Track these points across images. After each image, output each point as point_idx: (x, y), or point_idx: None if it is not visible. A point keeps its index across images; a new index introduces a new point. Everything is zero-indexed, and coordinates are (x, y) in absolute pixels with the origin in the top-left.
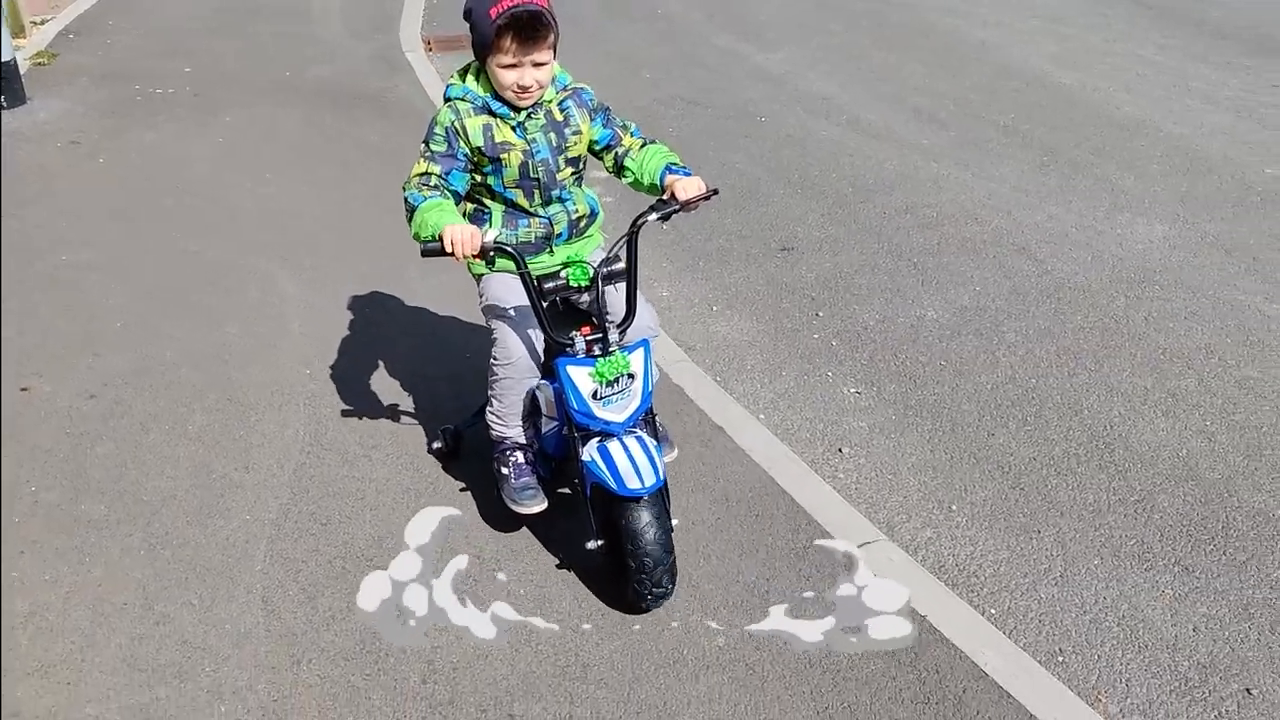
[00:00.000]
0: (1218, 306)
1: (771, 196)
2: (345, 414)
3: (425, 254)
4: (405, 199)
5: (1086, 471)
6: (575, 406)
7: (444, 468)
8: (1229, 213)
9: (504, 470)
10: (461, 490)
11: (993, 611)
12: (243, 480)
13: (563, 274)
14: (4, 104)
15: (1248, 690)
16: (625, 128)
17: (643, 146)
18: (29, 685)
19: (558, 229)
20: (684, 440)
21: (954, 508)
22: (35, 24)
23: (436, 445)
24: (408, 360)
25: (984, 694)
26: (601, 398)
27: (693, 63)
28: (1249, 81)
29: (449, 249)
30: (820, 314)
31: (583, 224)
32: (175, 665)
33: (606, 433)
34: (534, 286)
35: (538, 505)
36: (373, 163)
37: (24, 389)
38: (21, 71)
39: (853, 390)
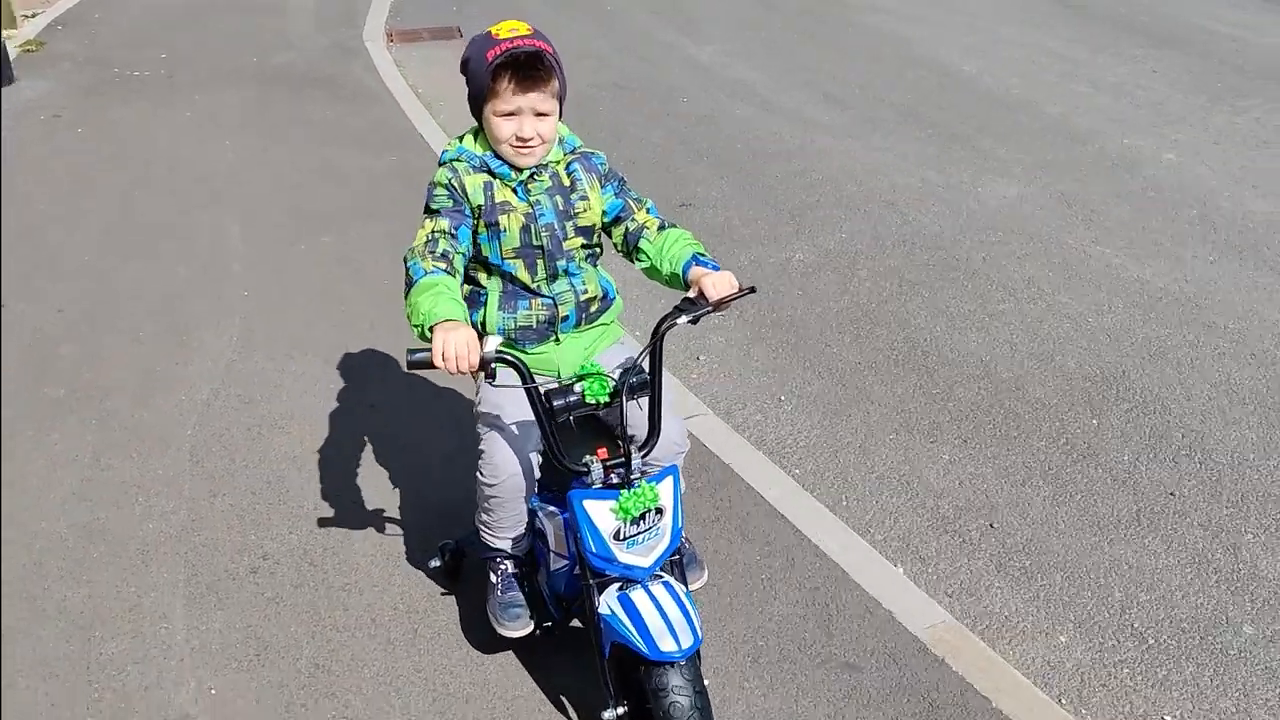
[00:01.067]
0: (1049, 249)
1: (680, 164)
2: (276, 324)
3: (411, 366)
4: (406, 270)
5: (901, 372)
6: (593, 550)
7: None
8: (1082, 175)
9: (492, 578)
10: (442, 594)
11: (796, 472)
12: (181, 373)
13: (578, 388)
14: None
15: (990, 525)
16: (640, 201)
17: (661, 229)
18: None
19: (563, 311)
20: None
21: (782, 399)
22: (26, 17)
23: (434, 564)
24: (335, 285)
25: (763, 515)
26: (625, 538)
27: (630, 54)
28: (1135, 69)
29: (439, 363)
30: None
31: (594, 309)
32: (114, 498)
33: (628, 579)
34: (542, 404)
35: (522, 629)
36: (319, 135)
37: None
38: (11, 58)
39: (717, 316)
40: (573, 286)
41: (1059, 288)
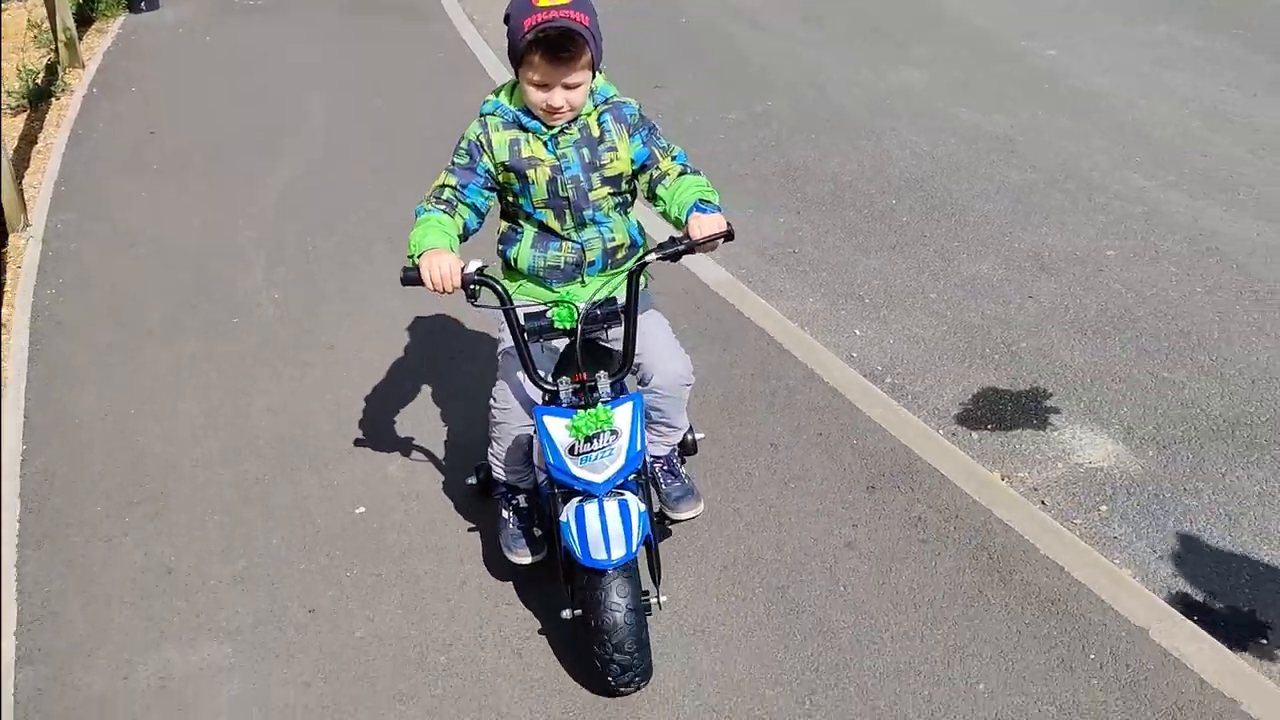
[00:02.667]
0: (922, 111)
1: (662, 61)
2: (341, 147)
3: (404, 283)
4: (415, 213)
5: (773, 179)
6: (550, 461)
7: (456, 506)
8: (977, 66)
9: (503, 514)
10: (469, 530)
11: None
12: (271, 171)
13: (549, 314)
14: (143, 7)
15: (793, 252)
16: (667, 150)
17: (681, 175)
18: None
19: (590, 256)
20: None
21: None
22: None
23: (470, 481)
24: (384, 127)
25: None
26: (579, 454)
27: None
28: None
29: (427, 283)
30: (662, 115)
31: (620, 255)
32: (225, 223)
33: (587, 493)
34: (518, 325)
35: (526, 557)
36: (388, 40)
37: (151, 132)
38: None
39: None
40: (600, 234)
41: (914, 132)
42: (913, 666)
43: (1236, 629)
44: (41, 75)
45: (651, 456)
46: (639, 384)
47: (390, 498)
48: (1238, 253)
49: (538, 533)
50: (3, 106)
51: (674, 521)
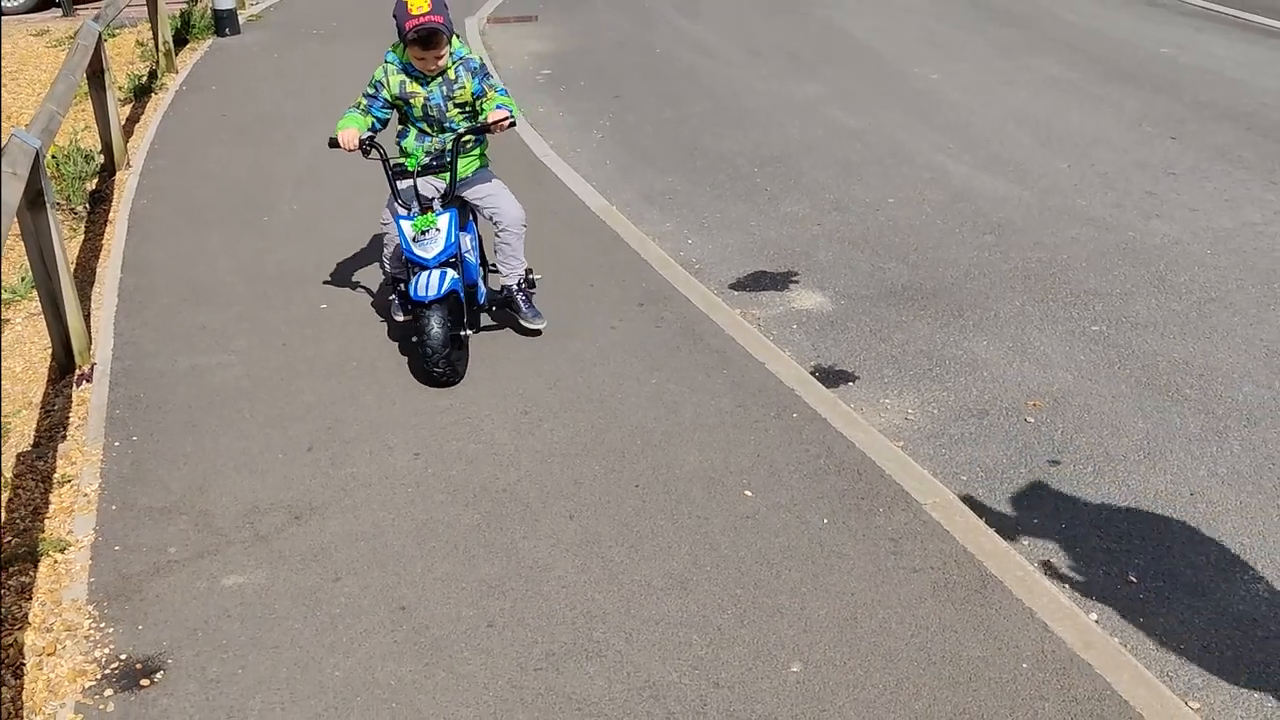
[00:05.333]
0: (810, 114)
1: (629, 78)
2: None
3: (330, 146)
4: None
5: (677, 153)
6: (404, 246)
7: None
8: (869, 85)
9: (393, 295)
10: (381, 320)
11: (587, 173)
12: (318, 120)
13: (405, 162)
14: (227, 32)
15: (670, 197)
16: (493, 85)
17: (494, 96)
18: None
19: (447, 144)
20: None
21: (608, 164)
22: (254, 3)
23: (391, 299)
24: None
25: (561, 190)
26: (417, 241)
27: (638, 26)
28: (972, 37)
29: (339, 143)
30: (611, 114)
31: (468, 145)
32: (271, 152)
33: (425, 266)
34: (389, 170)
35: (401, 316)
36: None
37: (223, 115)
38: (241, 21)
39: (599, 135)
40: (453, 132)
41: (794, 127)
42: (627, 375)
43: (835, 379)
44: (145, 78)
45: (508, 287)
46: (494, 225)
47: (343, 301)
48: (981, 201)
49: (410, 306)
50: (115, 92)
51: (530, 332)
